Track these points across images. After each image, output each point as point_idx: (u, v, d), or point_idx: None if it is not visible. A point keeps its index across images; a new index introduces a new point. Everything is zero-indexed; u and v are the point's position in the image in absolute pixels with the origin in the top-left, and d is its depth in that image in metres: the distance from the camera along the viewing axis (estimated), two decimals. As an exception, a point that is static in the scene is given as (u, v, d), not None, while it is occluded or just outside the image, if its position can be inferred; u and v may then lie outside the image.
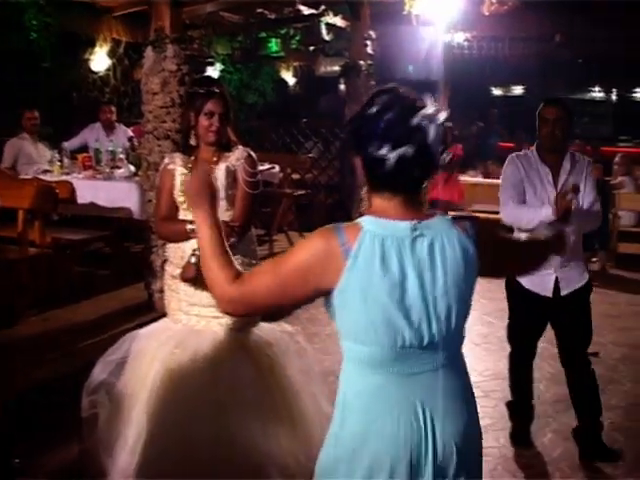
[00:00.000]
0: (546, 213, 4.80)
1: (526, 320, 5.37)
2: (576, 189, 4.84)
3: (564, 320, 5.18)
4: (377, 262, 2.30)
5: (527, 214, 4.94)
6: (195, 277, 4.10)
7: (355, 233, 2.33)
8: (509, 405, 5.70)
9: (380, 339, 2.35)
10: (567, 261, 4.99)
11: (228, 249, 2.47)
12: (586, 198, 5.00)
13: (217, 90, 4.29)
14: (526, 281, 5.06)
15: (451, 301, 2.38)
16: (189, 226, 4.15)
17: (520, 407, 5.63)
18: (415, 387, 2.39)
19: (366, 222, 2.36)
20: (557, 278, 5.05)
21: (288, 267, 2.38)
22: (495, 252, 2.57)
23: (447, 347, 2.46)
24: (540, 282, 5.04)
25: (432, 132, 2.29)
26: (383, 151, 2.29)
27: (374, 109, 2.33)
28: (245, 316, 3.61)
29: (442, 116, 2.33)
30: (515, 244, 2.92)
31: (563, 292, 5.07)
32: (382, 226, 2.35)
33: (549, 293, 5.08)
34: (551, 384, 6.44)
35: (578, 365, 5.22)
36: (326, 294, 2.37)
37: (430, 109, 2.32)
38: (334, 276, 2.32)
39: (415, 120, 2.28)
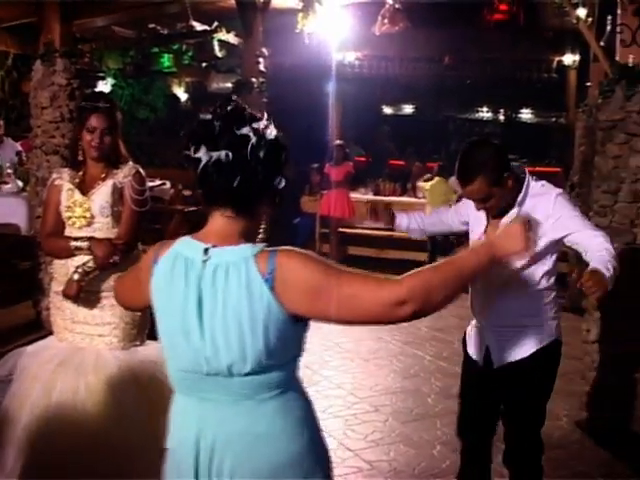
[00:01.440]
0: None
1: (467, 393, 4.20)
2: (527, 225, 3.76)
3: (504, 400, 4.02)
4: (166, 280, 2.30)
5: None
6: (77, 295, 4.09)
7: (166, 249, 2.34)
8: None
9: (169, 358, 2.36)
10: (499, 326, 3.92)
11: None
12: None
13: (101, 105, 4.24)
14: (468, 340, 4.14)
15: (232, 335, 2.22)
16: (73, 243, 4.12)
17: None
18: (209, 416, 2.30)
19: (181, 240, 2.34)
20: (487, 347, 3.99)
21: (130, 275, 2.63)
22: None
23: (244, 380, 2.26)
24: (475, 344, 4.07)
25: (256, 147, 2.23)
26: (201, 152, 2.23)
27: (208, 115, 2.28)
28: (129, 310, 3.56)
29: (271, 135, 2.27)
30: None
31: (495, 364, 3.95)
32: (186, 245, 2.32)
33: (481, 361, 4.03)
34: (440, 397, 6.55)
35: (520, 460, 4.08)
36: None
37: (261, 127, 2.27)
38: (149, 290, 2.37)
39: (242, 130, 2.23)
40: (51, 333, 4.46)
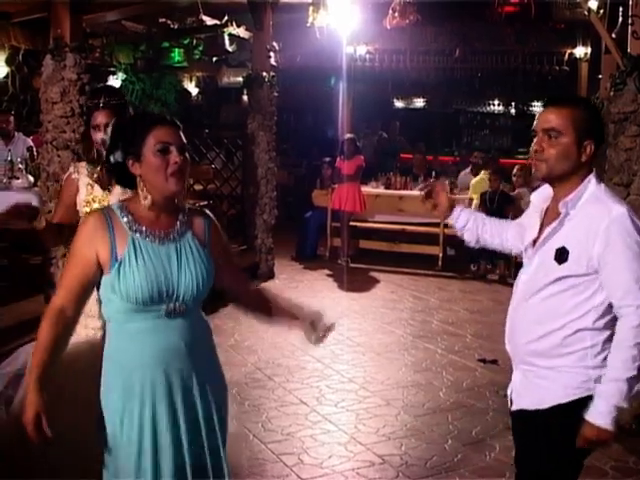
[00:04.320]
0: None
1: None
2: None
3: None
4: None
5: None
6: None
7: None
8: None
9: None
10: (521, 360, 3.21)
11: None
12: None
13: (103, 101, 4.23)
14: None
15: None
16: None
17: None
18: None
19: None
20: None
21: None
22: None
23: None
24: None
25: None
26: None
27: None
28: None
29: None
30: None
31: (513, 406, 3.27)
32: None
33: (509, 395, 3.35)
34: (452, 391, 6.55)
35: None
36: None
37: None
38: None
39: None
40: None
